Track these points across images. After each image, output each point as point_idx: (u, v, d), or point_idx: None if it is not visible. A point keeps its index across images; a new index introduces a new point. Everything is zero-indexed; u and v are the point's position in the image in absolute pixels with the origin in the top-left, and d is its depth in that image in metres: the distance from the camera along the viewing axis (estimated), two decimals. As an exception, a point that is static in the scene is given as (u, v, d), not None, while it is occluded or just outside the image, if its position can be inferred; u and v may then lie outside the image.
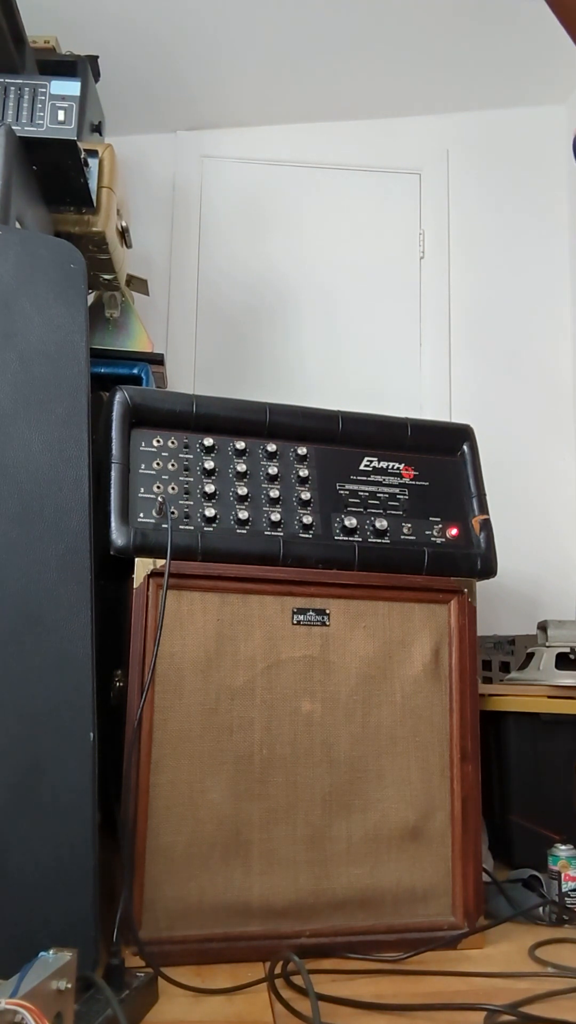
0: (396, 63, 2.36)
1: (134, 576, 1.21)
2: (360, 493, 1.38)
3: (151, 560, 1.21)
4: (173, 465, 1.29)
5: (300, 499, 1.33)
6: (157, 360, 1.78)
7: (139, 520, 1.24)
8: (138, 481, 1.27)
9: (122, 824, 1.13)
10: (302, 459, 1.37)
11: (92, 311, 1.81)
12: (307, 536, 1.31)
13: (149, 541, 1.21)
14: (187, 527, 1.25)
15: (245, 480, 1.32)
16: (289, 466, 1.36)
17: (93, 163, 1.57)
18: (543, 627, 1.81)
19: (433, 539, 1.38)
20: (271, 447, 1.35)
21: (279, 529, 1.30)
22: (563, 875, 1.39)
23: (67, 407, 1.10)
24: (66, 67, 1.67)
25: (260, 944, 1.16)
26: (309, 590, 1.29)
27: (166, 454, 1.30)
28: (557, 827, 1.55)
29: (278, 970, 1.07)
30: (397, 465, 1.41)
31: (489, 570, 1.38)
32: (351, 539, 1.33)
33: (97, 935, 0.96)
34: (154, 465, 1.28)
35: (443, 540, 1.38)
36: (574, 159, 1.86)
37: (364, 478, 1.39)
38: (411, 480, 1.41)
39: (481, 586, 1.40)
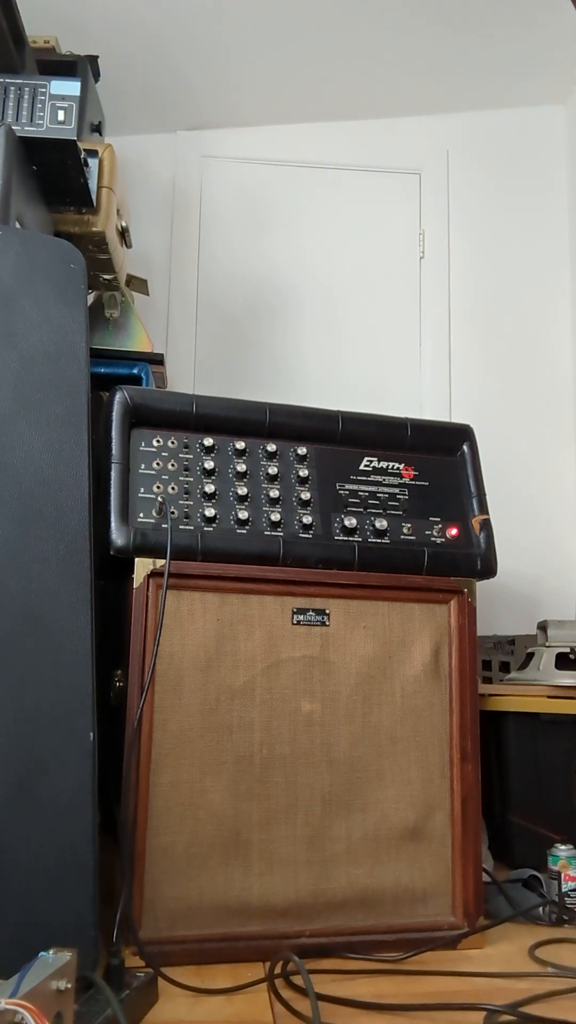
0: (396, 63, 2.36)
1: (134, 576, 1.21)
2: (360, 493, 1.38)
3: (151, 560, 1.21)
4: (173, 465, 1.29)
5: (300, 499, 1.33)
6: (157, 360, 1.78)
7: (139, 520, 1.24)
8: (138, 481, 1.26)
9: (122, 824, 1.13)
10: (302, 459, 1.37)
11: (92, 311, 1.81)
12: (307, 536, 1.31)
13: (149, 541, 1.21)
14: (187, 527, 1.25)
15: (245, 480, 1.32)
16: (289, 466, 1.36)
17: (93, 163, 1.57)
18: (543, 627, 1.81)
19: (433, 539, 1.38)
20: (271, 447, 1.35)
21: (279, 529, 1.30)
22: (563, 875, 1.39)
23: (67, 407, 1.10)
24: (66, 67, 1.67)
25: (260, 944, 1.16)
26: (309, 590, 1.29)
27: (166, 454, 1.30)
28: (557, 827, 1.56)
29: (278, 970, 1.07)
30: (397, 465, 1.41)
31: (489, 570, 1.38)
32: (351, 539, 1.33)
33: (97, 935, 0.96)
34: (154, 465, 1.28)
35: (443, 540, 1.38)
36: None
37: (364, 478, 1.39)
38: (411, 480, 1.41)
39: (481, 586, 1.40)
